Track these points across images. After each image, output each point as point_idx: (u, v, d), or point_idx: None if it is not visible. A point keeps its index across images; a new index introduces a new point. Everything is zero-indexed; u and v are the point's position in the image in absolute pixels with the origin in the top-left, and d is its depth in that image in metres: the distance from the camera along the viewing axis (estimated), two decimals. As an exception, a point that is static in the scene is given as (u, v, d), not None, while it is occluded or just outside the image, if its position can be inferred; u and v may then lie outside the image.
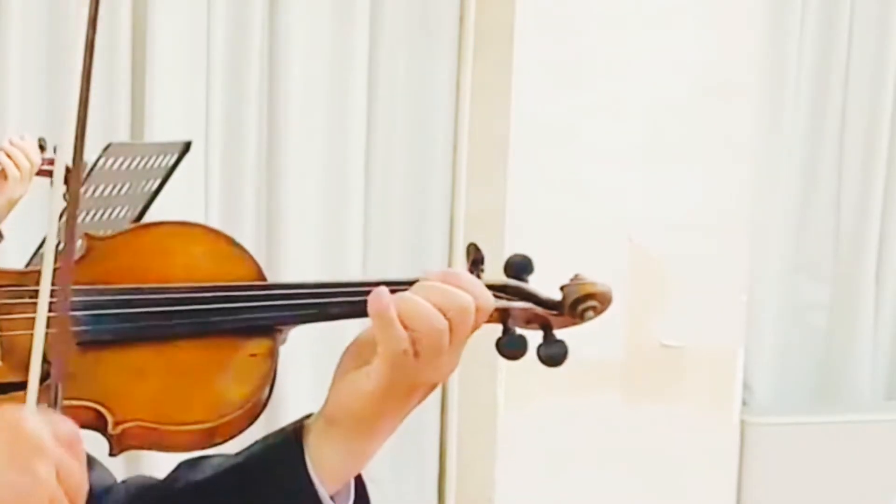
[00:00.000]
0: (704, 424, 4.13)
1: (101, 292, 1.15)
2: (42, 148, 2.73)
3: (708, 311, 4.09)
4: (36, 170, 2.66)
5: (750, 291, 4.24)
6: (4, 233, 2.60)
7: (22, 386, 1.03)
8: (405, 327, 1.13)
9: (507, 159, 3.94)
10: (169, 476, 1.26)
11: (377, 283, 1.15)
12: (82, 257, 1.17)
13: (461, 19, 4.05)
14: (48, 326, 1.05)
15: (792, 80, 4.38)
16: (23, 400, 1.02)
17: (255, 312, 1.16)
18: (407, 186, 4.07)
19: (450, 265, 4.10)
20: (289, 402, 3.53)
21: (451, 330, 1.14)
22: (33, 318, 1.03)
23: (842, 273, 4.54)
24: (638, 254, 4.01)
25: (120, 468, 1.33)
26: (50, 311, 1.06)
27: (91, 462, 1.30)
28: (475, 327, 1.16)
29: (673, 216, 4.02)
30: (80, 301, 1.13)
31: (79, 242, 1.18)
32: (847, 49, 4.44)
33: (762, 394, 4.47)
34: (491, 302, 1.16)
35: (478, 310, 1.15)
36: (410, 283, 1.16)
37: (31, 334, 1.03)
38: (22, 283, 1.12)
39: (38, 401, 1.01)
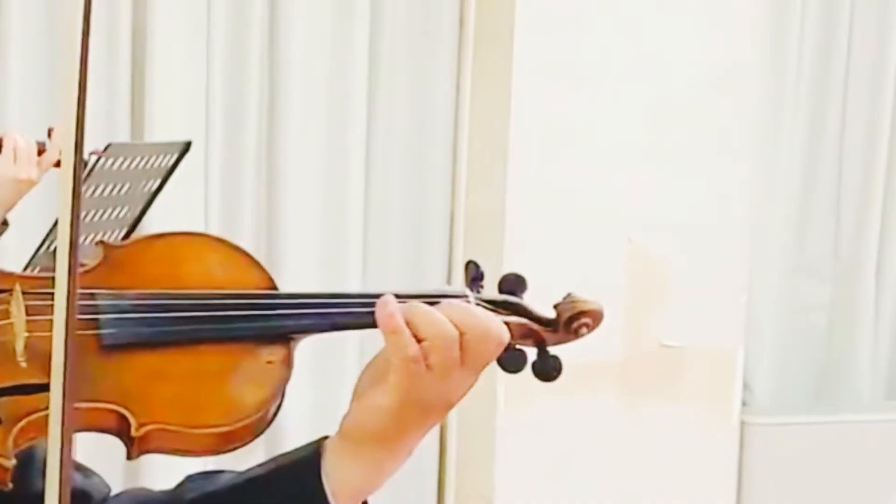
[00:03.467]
0: (704, 425, 4.13)
1: (124, 297, 1.17)
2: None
3: (708, 311, 4.09)
4: (36, 152, 2.65)
5: (750, 291, 4.24)
6: (11, 230, 2.60)
7: (45, 388, 1.04)
8: (416, 337, 1.14)
9: (507, 159, 3.94)
10: (174, 489, 1.27)
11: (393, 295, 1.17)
12: (99, 265, 1.20)
13: (461, 19, 4.05)
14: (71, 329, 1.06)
15: (792, 80, 4.38)
16: (45, 402, 1.03)
17: (275, 320, 1.19)
18: (407, 186, 4.07)
19: (450, 265, 4.11)
20: (289, 415, 3.54)
21: (462, 346, 1.14)
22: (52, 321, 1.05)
23: (842, 273, 4.54)
24: (638, 254, 4.01)
25: (118, 481, 1.34)
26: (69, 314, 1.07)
27: (88, 471, 1.31)
28: (489, 354, 1.17)
29: (673, 216, 4.02)
30: (102, 305, 1.16)
31: (95, 250, 1.20)
32: (847, 49, 4.44)
33: (762, 394, 4.47)
34: (504, 332, 1.17)
35: (492, 337, 1.16)
36: (433, 296, 1.18)
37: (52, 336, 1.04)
38: (48, 286, 1.14)
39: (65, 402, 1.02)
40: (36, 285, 1.15)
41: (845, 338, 4.55)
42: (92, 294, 1.15)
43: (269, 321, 1.18)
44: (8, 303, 1.14)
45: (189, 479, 1.26)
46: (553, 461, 4.01)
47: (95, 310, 1.15)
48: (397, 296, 1.16)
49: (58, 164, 2.64)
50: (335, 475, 1.18)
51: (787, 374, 4.54)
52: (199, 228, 3.75)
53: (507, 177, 3.94)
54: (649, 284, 4.01)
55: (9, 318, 1.14)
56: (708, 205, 4.06)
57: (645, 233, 4.01)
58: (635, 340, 3.98)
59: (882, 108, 4.45)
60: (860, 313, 4.53)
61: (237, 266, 1.23)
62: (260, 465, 1.23)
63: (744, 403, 4.28)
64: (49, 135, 2.70)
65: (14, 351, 1.12)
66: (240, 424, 1.15)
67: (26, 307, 1.13)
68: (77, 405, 1.08)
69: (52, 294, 1.02)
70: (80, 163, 1.00)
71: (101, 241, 1.21)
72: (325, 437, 1.21)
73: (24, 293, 1.14)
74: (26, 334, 1.12)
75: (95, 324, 1.15)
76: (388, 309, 1.14)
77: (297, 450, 1.22)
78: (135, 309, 1.16)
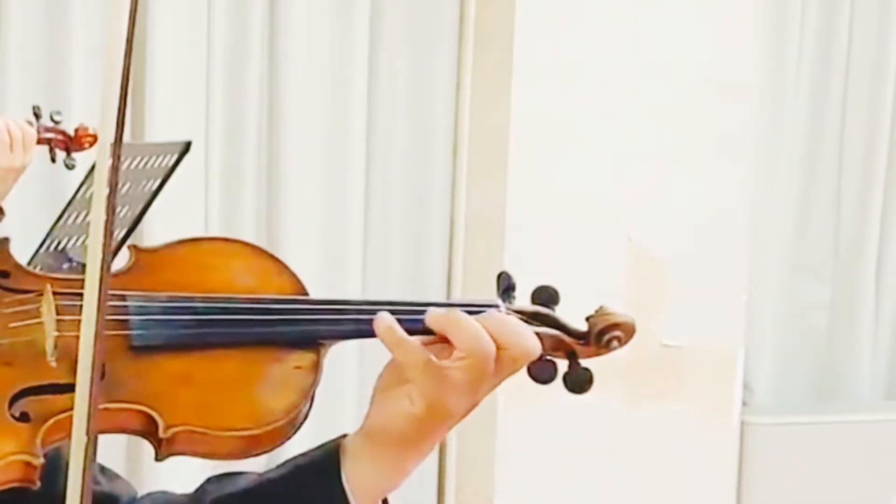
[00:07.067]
0: (704, 425, 4.13)
1: (154, 299, 1.17)
2: (37, 116, 2.73)
3: (708, 311, 4.10)
4: (33, 138, 2.64)
5: (750, 291, 4.24)
6: (7, 217, 2.60)
7: (74, 388, 1.04)
8: (455, 347, 1.14)
9: (507, 159, 3.94)
10: (195, 492, 1.27)
11: (423, 304, 1.17)
12: (129, 268, 1.21)
13: (461, 19, 4.05)
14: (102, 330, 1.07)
15: (792, 80, 4.38)
16: (70, 403, 1.04)
17: (304, 325, 1.19)
18: (407, 187, 4.07)
19: (450, 265, 4.11)
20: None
21: (498, 359, 1.14)
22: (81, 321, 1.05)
23: (842, 273, 4.54)
24: (638, 254, 4.01)
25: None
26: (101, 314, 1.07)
27: (113, 475, 1.32)
28: (520, 366, 1.18)
29: (673, 216, 4.02)
30: (133, 306, 1.16)
31: (125, 254, 1.21)
32: (847, 49, 4.44)
33: (762, 394, 4.47)
34: (537, 346, 1.18)
35: (529, 353, 1.17)
36: (465, 305, 1.18)
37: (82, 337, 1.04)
38: (79, 287, 1.14)
39: (91, 402, 1.02)
40: (66, 286, 1.16)
41: (845, 338, 4.55)
42: (122, 296, 1.16)
43: (298, 326, 1.19)
44: (39, 303, 1.15)
45: (209, 480, 1.27)
46: (553, 461, 4.01)
47: (125, 311, 1.16)
48: (435, 305, 1.17)
49: (40, 141, 2.64)
50: (355, 476, 1.18)
51: (787, 374, 4.54)
52: (199, 228, 3.76)
53: (507, 176, 3.94)
54: (650, 284, 4.01)
55: (39, 317, 1.15)
56: (708, 205, 4.06)
57: (645, 233, 4.01)
58: (636, 340, 3.97)
59: (882, 108, 4.45)
60: (860, 313, 4.53)
61: (268, 272, 1.23)
62: (279, 466, 1.23)
63: (744, 403, 4.28)
64: (35, 114, 2.70)
65: (44, 350, 1.13)
66: (267, 428, 1.16)
67: (56, 307, 1.14)
68: (106, 406, 1.09)
69: (80, 294, 1.02)
70: (116, 169, 1.00)
71: (133, 245, 1.22)
72: (344, 436, 1.21)
73: (54, 293, 1.15)
74: (56, 334, 1.13)
75: (125, 325, 1.15)
76: (383, 323, 1.15)
77: (315, 449, 1.22)
78: (165, 311, 1.17)
